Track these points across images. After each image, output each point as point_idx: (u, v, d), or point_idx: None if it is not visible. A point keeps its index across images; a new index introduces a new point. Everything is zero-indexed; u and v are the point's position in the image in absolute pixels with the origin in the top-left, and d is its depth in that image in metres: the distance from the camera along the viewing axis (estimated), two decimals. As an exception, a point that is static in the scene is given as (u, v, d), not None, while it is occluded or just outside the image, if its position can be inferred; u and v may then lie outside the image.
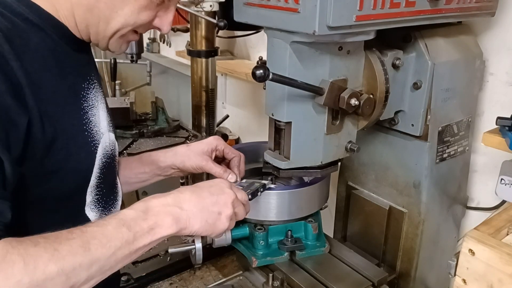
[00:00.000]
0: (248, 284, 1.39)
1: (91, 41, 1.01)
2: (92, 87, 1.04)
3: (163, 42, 3.25)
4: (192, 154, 1.27)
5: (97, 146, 1.01)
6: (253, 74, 0.93)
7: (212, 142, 1.30)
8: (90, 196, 1.02)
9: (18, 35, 0.85)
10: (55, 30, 0.93)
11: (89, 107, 1.01)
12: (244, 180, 1.26)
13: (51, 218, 0.94)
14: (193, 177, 2.32)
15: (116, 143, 1.15)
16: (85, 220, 1.01)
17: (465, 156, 1.41)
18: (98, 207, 1.05)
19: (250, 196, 1.13)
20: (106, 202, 1.07)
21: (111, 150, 1.09)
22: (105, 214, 1.06)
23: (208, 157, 1.27)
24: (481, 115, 1.44)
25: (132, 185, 1.34)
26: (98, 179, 1.02)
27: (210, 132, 2.17)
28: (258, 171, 1.44)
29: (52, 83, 0.89)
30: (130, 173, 1.31)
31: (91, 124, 1.00)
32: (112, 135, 1.11)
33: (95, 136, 1.01)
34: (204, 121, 2.16)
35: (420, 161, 1.30)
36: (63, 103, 0.92)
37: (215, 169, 1.24)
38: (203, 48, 2.03)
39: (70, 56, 0.97)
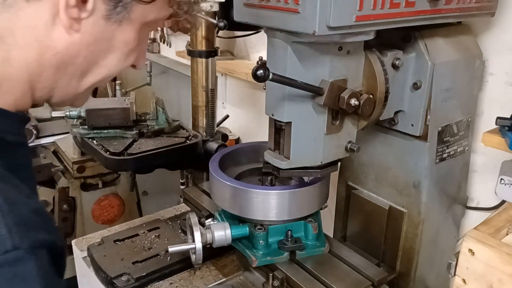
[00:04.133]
0: (248, 284, 1.39)
1: (49, 102, 0.81)
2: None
3: (163, 42, 3.25)
4: None
5: None
6: (253, 74, 0.93)
7: None
8: None
9: None
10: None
11: None
12: None
13: None
14: (193, 178, 2.33)
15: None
16: None
17: (465, 156, 1.42)
18: None
19: None
20: None
21: None
22: None
23: None
24: (480, 115, 1.44)
25: None
26: None
27: (210, 132, 2.18)
28: (258, 171, 1.44)
29: None
30: None
31: None
32: None
33: None
34: (204, 121, 2.16)
35: (420, 161, 1.30)
36: None
37: None
38: (203, 48, 2.03)
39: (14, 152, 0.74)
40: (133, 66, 0.86)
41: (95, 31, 0.73)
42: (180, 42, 3.04)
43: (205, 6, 1.60)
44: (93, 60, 0.76)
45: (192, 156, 2.08)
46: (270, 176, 1.32)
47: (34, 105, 0.78)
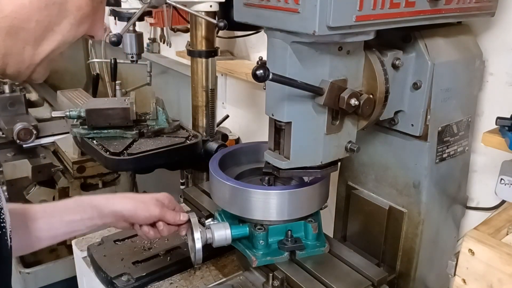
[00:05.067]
0: (248, 284, 1.39)
1: (4, 74, 0.77)
2: None
3: (163, 42, 3.25)
4: (147, 200, 1.21)
5: None
6: (253, 74, 0.93)
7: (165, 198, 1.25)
8: None
9: None
10: None
11: None
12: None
13: None
14: (193, 178, 2.33)
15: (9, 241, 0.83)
16: None
17: (465, 156, 1.42)
18: None
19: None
20: None
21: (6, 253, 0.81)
22: None
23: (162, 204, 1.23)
24: (481, 115, 1.44)
25: (54, 238, 1.14)
26: None
27: (210, 132, 2.18)
28: (258, 171, 1.44)
29: None
30: (57, 221, 1.12)
31: None
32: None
33: None
34: (204, 121, 2.16)
35: (420, 161, 1.30)
36: None
37: (170, 215, 1.22)
38: (203, 48, 2.03)
39: None
40: (91, 36, 0.84)
41: None
42: (180, 42, 3.04)
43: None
44: (46, 26, 0.73)
45: (192, 156, 2.08)
46: (268, 176, 1.32)
47: None
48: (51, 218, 1.12)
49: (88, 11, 0.77)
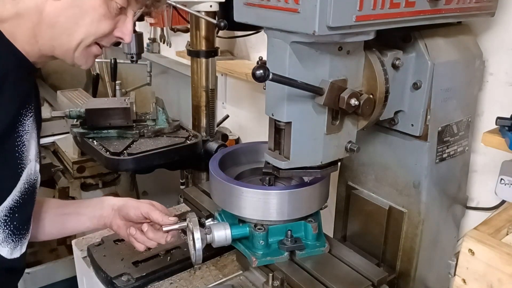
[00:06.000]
0: (248, 284, 1.39)
1: (58, 56, 1.05)
2: (30, 115, 1.08)
3: (163, 42, 3.26)
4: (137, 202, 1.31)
5: (23, 170, 1.06)
6: (253, 74, 0.93)
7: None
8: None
9: None
10: (10, 57, 0.99)
11: (24, 131, 1.06)
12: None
13: None
14: (193, 178, 2.33)
15: (39, 176, 1.17)
16: None
17: (465, 156, 1.42)
18: (8, 234, 1.07)
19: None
20: (18, 230, 1.09)
21: (34, 179, 1.12)
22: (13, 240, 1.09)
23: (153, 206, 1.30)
24: (481, 115, 1.44)
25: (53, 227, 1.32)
26: (15, 203, 1.05)
27: (210, 132, 2.18)
28: (258, 171, 1.44)
29: None
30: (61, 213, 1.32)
31: (23, 148, 1.05)
32: (38, 166, 1.14)
33: (23, 160, 1.06)
34: (204, 121, 2.16)
35: (420, 161, 1.30)
36: None
37: (157, 214, 1.27)
38: (203, 48, 2.03)
39: (16, 83, 1.02)
40: (121, 38, 1.08)
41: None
42: (180, 42, 3.04)
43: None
44: (72, 21, 0.99)
45: (192, 156, 2.09)
46: (268, 176, 1.32)
47: (46, 56, 1.05)
48: (57, 209, 1.32)
49: (103, 11, 1.00)
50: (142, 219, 1.28)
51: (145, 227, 1.26)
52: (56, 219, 1.31)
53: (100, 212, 1.32)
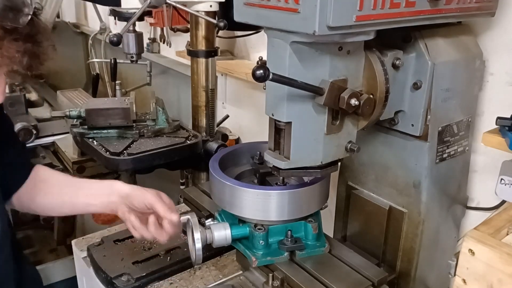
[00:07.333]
0: (248, 284, 1.39)
1: None
2: None
3: (163, 42, 3.25)
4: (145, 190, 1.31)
5: None
6: (253, 74, 0.93)
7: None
8: None
9: None
10: None
11: None
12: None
13: None
14: (193, 178, 2.33)
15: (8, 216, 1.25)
16: None
17: (465, 156, 1.42)
18: None
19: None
20: None
21: None
22: None
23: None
24: (481, 115, 1.44)
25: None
26: None
27: (210, 132, 2.18)
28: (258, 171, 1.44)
29: None
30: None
31: None
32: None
33: None
34: (204, 121, 2.16)
35: (420, 161, 1.30)
36: None
37: (162, 206, 1.25)
38: (203, 48, 2.03)
39: None
40: None
41: None
42: (180, 42, 3.04)
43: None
44: None
45: (192, 156, 2.08)
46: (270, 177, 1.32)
47: None
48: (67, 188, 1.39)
49: None
50: (146, 210, 1.26)
51: (150, 219, 1.24)
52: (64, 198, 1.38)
53: (107, 198, 1.32)
